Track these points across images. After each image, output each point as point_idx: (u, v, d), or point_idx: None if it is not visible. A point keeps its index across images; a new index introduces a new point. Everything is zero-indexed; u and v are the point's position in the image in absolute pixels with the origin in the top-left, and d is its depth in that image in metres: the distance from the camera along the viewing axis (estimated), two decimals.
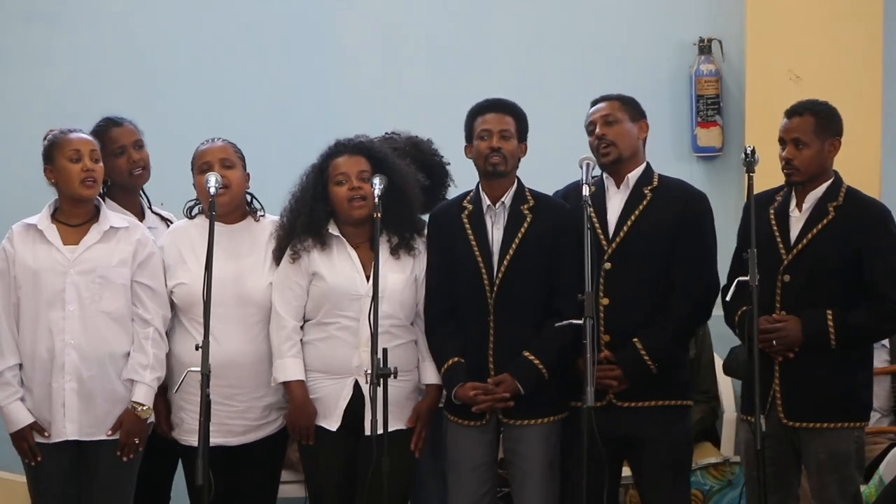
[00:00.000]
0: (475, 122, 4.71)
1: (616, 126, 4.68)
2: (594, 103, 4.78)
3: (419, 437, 4.68)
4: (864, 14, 6.37)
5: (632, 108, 4.74)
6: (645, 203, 4.66)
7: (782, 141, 4.63)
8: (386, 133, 5.09)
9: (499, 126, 4.67)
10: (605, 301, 4.60)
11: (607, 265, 4.61)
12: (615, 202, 4.70)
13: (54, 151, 4.60)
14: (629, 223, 4.64)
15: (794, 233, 4.63)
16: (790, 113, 4.66)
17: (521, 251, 4.62)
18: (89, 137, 4.67)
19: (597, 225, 4.62)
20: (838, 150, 4.66)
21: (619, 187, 4.71)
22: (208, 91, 6.63)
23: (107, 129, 4.95)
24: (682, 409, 4.72)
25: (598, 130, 4.68)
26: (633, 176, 4.70)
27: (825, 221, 4.59)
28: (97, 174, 4.60)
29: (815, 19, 6.37)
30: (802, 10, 6.38)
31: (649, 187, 4.69)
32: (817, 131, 4.60)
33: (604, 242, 4.63)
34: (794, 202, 4.67)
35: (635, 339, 4.59)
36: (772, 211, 4.68)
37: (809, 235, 4.59)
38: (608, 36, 6.67)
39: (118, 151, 4.93)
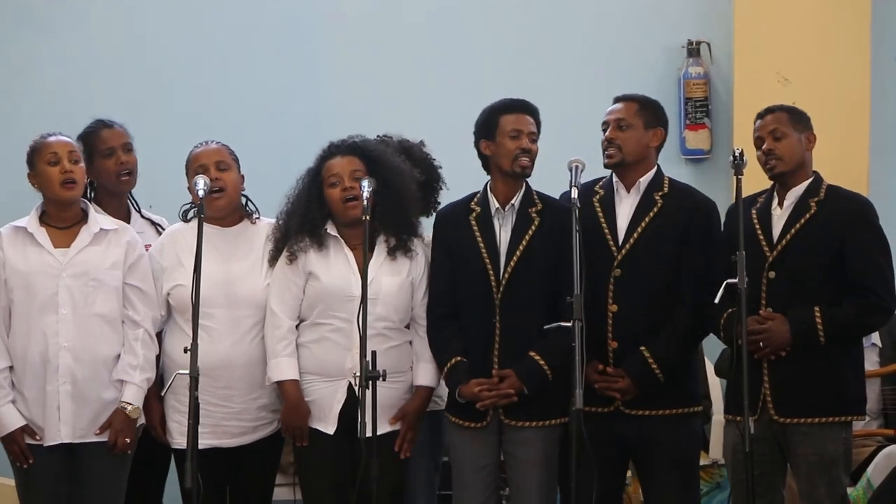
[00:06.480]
0: (500, 118, 4.66)
1: (627, 131, 4.66)
2: (615, 101, 4.76)
3: (404, 439, 4.66)
4: (851, 16, 6.39)
5: (649, 114, 4.72)
6: (655, 210, 4.64)
7: (759, 140, 4.65)
8: (378, 136, 5.09)
9: (528, 128, 4.65)
10: (614, 308, 4.60)
11: (617, 271, 4.60)
12: (625, 207, 4.68)
13: (35, 157, 4.61)
14: (639, 230, 4.62)
15: (777, 230, 4.63)
16: (761, 114, 4.70)
17: (529, 253, 4.61)
18: (67, 139, 4.66)
19: (606, 230, 4.63)
20: (814, 144, 4.68)
21: (629, 191, 4.69)
22: (199, 94, 6.64)
23: (97, 131, 4.98)
24: (691, 414, 4.70)
25: (608, 132, 4.68)
26: (644, 181, 4.68)
27: (807, 216, 4.60)
28: (77, 175, 4.59)
29: (803, 22, 6.39)
30: (790, 12, 6.40)
31: (660, 193, 4.67)
32: (792, 123, 4.64)
33: (613, 248, 4.62)
34: (775, 200, 4.68)
35: (643, 348, 4.57)
36: (754, 211, 4.68)
37: (792, 231, 4.60)
38: (597, 39, 6.69)
39: (107, 152, 4.95)
